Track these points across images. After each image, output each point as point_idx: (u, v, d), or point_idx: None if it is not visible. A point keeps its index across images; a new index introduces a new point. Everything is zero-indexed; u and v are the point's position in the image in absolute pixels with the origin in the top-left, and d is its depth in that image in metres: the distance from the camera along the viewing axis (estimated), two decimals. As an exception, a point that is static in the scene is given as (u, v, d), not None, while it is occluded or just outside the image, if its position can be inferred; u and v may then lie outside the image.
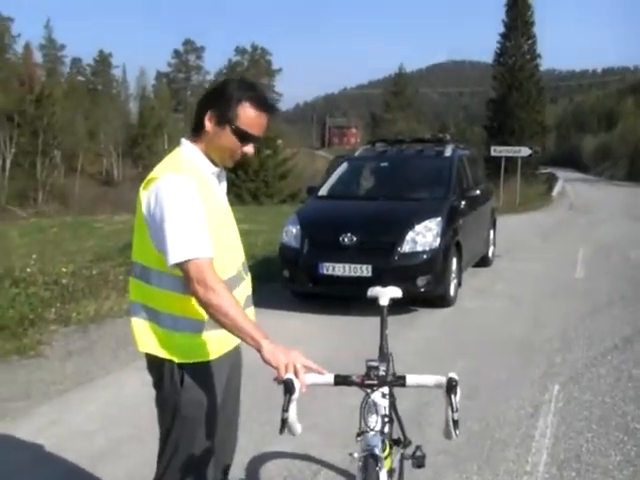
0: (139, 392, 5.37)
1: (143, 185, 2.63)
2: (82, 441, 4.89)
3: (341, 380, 2.40)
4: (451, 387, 2.22)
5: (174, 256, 2.47)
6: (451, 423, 2.23)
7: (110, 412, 5.47)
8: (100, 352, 7.14)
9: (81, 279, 9.82)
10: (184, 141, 2.76)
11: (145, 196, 2.60)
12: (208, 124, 2.67)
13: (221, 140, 2.67)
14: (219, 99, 2.67)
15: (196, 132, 2.73)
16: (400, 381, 2.40)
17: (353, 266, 8.56)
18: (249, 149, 2.71)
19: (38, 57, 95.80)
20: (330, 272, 8.68)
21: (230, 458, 3.17)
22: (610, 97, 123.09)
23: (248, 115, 2.64)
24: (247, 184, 46.88)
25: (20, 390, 5.96)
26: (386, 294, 3.42)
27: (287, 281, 9.31)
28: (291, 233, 9.23)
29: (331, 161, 18.22)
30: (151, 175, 2.62)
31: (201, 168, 2.71)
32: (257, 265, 11.65)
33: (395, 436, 3.33)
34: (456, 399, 2.22)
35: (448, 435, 2.31)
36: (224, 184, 2.90)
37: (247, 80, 2.80)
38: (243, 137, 2.67)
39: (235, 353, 2.90)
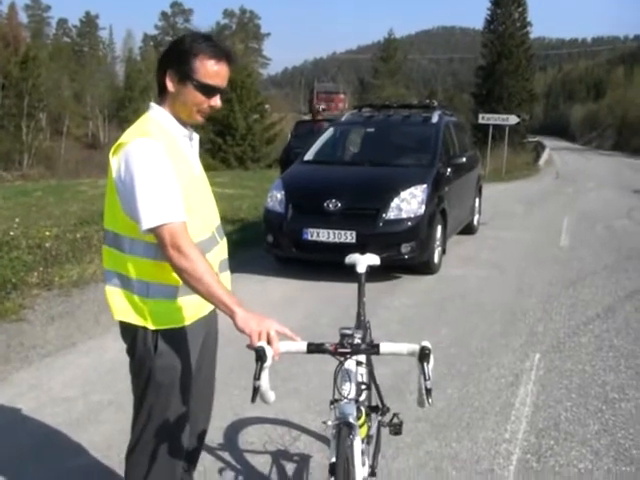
0: (120, 358, 5.30)
1: (112, 151, 2.58)
2: (61, 406, 4.87)
3: (314, 348, 2.38)
4: (424, 355, 2.21)
5: (147, 221, 2.43)
6: (424, 391, 2.22)
7: (90, 377, 5.45)
8: (82, 317, 7.09)
9: (64, 243, 9.74)
10: (153, 105, 2.71)
11: (115, 162, 2.56)
12: (170, 84, 2.63)
13: (186, 98, 2.63)
14: (175, 57, 2.61)
15: (161, 95, 2.69)
16: (373, 349, 2.38)
17: (337, 232, 8.53)
18: (216, 102, 2.66)
19: (23, 18, 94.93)
20: (314, 238, 8.65)
21: (205, 424, 3.17)
22: (599, 66, 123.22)
23: (207, 67, 2.59)
24: (234, 148, 46.69)
25: (0, 354, 5.92)
26: (364, 261, 3.40)
27: (271, 246, 9.27)
28: (276, 198, 9.18)
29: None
30: (120, 140, 2.57)
31: (171, 131, 2.66)
32: (241, 230, 11.64)
33: (373, 403, 3.33)
34: (429, 367, 2.20)
35: (421, 403, 2.29)
36: (196, 146, 2.85)
37: (200, 32, 2.73)
38: (207, 90, 2.61)
39: (210, 318, 2.88)
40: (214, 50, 2.60)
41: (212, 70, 2.60)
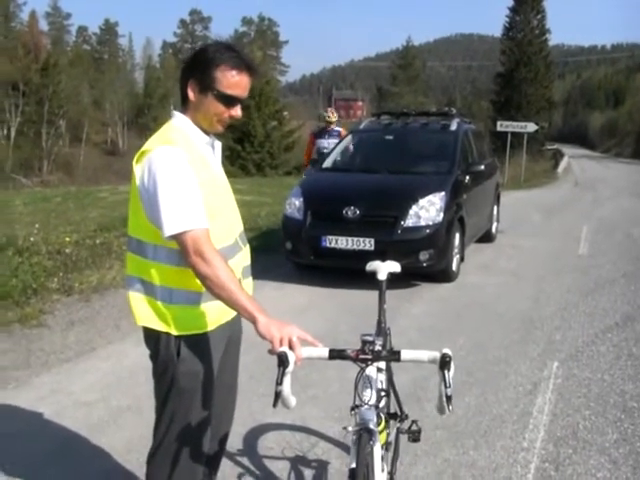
0: (139, 363, 5.38)
1: (136, 158, 2.61)
2: (81, 411, 4.92)
3: (336, 354, 2.40)
4: (444, 363, 2.22)
5: (169, 228, 2.46)
6: (444, 398, 2.23)
7: (110, 382, 5.49)
8: (102, 322, 7.15)
9: (84, 249, 9.81)
10: (176, 113, 2.75)
11: (138, 169, 2.59)
12: (191, 94, 2.66)
13: (207, 107, 2.65)
14: (198, 67, 2.64)
15: (184, 103, 2.72)
16: (394, 356, 2.39)
17: (356, 239, 8.54)
18: (236, 112, 2.69)
19: (44, 25, 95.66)
20: (333, 245, 8.66)
21: (227, 428, 3.19)
22: (619, 73, 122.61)
23: (228, 78, 2.61)
24: (252, 155, 46.85)
25: (21, 359, 5.98)
26: (384, 269, 3.41)
27: (289, 253, 9.30)
28: (294, 205, 9.21)
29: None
30: (143, 148, 2.61)
31: (193, 139, 2.70)
32: (260, 236, 11.66)
33: (392, 410, 3.35)
34: (449, 375, 2.22)
35: (441, 410, 2.31)
36: (218, 153, 2.88)
37: (223, 42, 2.76)
38: (227, 101, 2.65)
39: (234, 323, 2.90)
40: (236, 61, 2.63)
41: (233, 81, 2.62)
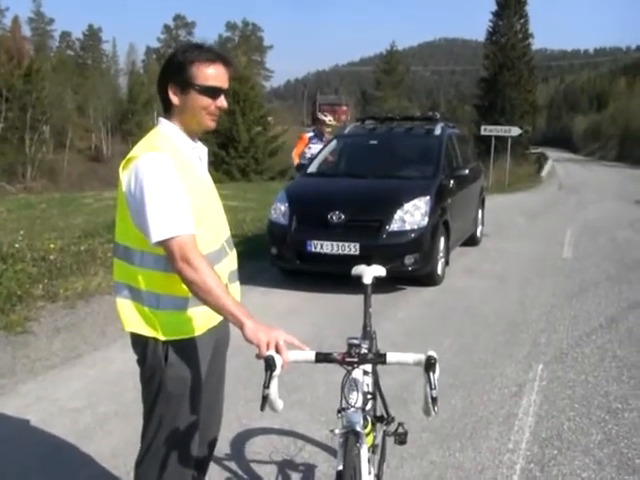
0: (126, 369, 5.39)
1: (122, 165, 2.63)
2: (68, 417, 4.91)
3: (322, 357, 2.41)
4: (430, 365, 2.24)
5: (156, 234, 2.47)
6: (430, 400, 2.25)
7: (96, 389, 5.48)
8: (87, 329, 7.12)
9: (69, 255, 9.76)
10: (162, 119, 2.77)
11: (125, 176, 2.60)
12: (174, 97, 2.69)
13: (192, 105, 2.69)
14: (173, 70, 2.69)
15: (167, 111, 2.75)
16: (380, 359, 2.41)
17: (341, 244, 8.56)
18: (221, 102, 2.73)
19: (26, 31, 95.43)
20: (318, 250, 8.68)
21: (216, 433, 3.20)
22: (602, 77, 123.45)
23: (204, 71, 2.66)
24: (237, 161, 46.84)
25: (7, 366, 5.95)
26: (370, 273, 3.43)
27: (275, 258, 9.30)
28: (279, 210, 9.22)
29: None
30: (130, 155, 2.63)
31: (180, 145, 2.72)
32: (245, 242, 11.65)
33: (378, 413, 3.37)
34: (435, 377, 2.24)
35: (427, 412, 2.33)
36: (205, 159, 2.91)
37: (190, 43, 2.83)
38: (211, 92, 2.68)
39: (221, 328, 2.90)
40: (207, 54, 2.68)
41: (210, 73, 2.67)
